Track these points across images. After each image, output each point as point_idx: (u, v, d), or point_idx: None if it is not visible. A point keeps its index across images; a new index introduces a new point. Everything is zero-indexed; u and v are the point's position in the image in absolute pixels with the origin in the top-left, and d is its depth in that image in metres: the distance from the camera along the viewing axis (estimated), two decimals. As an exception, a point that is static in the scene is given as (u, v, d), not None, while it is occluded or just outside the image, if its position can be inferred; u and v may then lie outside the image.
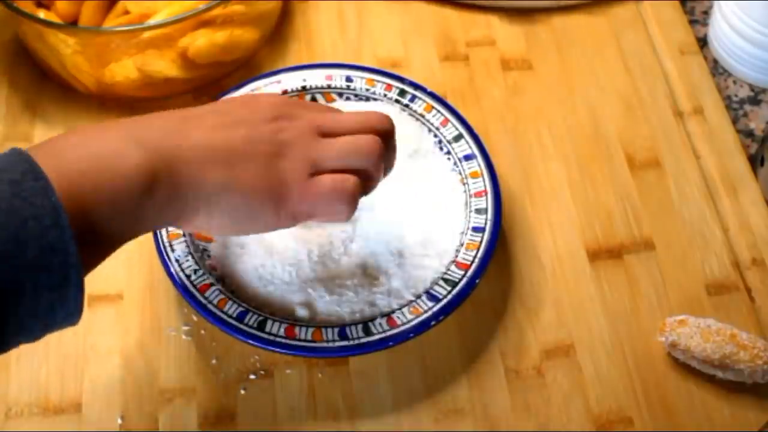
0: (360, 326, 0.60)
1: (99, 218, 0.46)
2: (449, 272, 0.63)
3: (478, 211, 0.65)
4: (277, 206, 0.53)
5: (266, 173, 0.52)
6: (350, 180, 0.54)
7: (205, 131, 0.52)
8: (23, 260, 0.42)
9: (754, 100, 0.78)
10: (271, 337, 0.59)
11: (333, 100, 0.72)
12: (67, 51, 0.71)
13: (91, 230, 0.45)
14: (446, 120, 0.70)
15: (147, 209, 0.48)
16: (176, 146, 0.50)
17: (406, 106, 0.71)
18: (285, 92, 0.71)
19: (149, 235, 0.62)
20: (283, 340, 0.59)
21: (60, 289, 0.43)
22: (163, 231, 0.63)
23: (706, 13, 0.84)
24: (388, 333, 0.60)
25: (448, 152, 0.69)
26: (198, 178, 0.50)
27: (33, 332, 0.45)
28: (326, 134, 0.55)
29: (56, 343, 0.62)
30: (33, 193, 0.43)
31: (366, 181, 0.55)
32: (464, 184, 0.67)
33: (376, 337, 0.60)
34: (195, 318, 0.64)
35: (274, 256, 0.63)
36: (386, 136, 0.57)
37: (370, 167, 0.55)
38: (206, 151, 0.51)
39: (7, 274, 0.42)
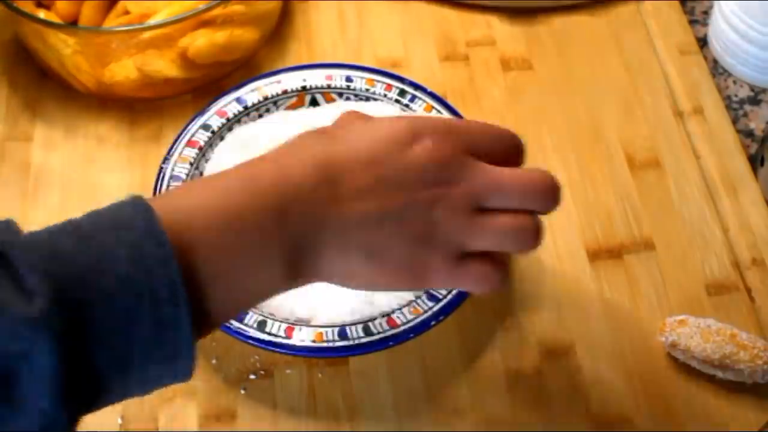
0: (360, 326, 0.60)
1: (219, 297, 0.43)
2: (449, 272, 0.63)
3: (478, 211, 0.65)
4: (416, 284, 0.49)
5: (412, 257, 0.47)
6: (497, 272, 0.49)
7: (356, 202, 0.46)
8: (135, 336, 0.39)
9: (754, 100, 0.78)
10: (271, 337, 0.59)
11: (333, 100, 0.72)
12: (67, 51, 0.71)
13: (207, 308, 0.43)
14: (446, 120, 0.70)
15: (276, 291, 0.46)
16: (324, 231, 0.45)
17: (406, 106, 0.71)
18: (285, 92, 0.71)
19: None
20: (283, 340, 0.59)
21: (170, 362, 0.41)
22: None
23: (706, 13, 0.84)
24: (388, 333, 0.60)
25: (448, 152, 0.69)
26: (341, 263, 0.46)
27: (140, 393, 0.42)
28: (483, 208, 0.48)
29: (56, 343, 0.62)
30: (153, 262, 0.39)
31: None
32: (464, 184, 0.67)
33: (376, 337, 0.60)
34: (195, 318, 0.64)
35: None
36: (548, 207, 0.50)
37: (523, 249, 0.50)
38: (353, 234, 0.46)
39: (116, 348, 0.39)
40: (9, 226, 0.40)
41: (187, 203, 0.43)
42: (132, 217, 0.41)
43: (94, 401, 0.41)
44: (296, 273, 0.46)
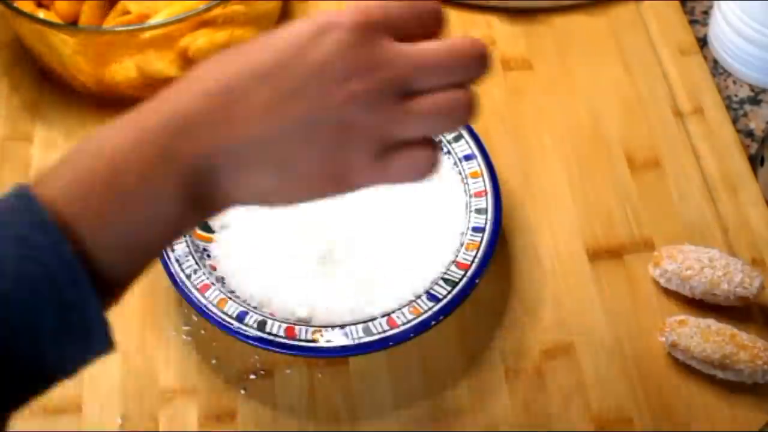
0: (360, 326, 0.60)
1: (122, 253, 0.41)
2: (449, 272, 0.63)
3: (478, 211, 0.65)
4: (340, 189, 0.45)
5: (329, 164, 0.43)
6: (427, 158, 0.44)
7: (253, 119, 0.42)
8: (41, 328, 0.38)
9: (754, 100, 0.78)
10: (271, 337, 0.59)
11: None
12: (67, 51, 0.71)
13: (112, 269, 0.41)
14: (446, 120, 0.70)
15: (178, 230, 0.43)
16: (219, 155, 0.42)
17: (406, 106, 0.71)
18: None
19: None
20: (283, 340, 0.59)
21: (84, 339, 0.40)
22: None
23: (706, 13, 0.84)
24: (388, 333, 0.60)
25: (448, 152, 0.69)
26: (246, 188, 0.43)
27: (64, 377, 0.41)
28: (411, 91, 0.44)
29: (56, 343, 0.62)
30: (43, 251, 0.38)
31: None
32: (464, 184, 0.67)
33: (376, 337, 0.60)
34: (195, 318, 0.64)
35: (274, 256, 0.63)
36: (480, 73, 0.46)
37: (458, 125, 0.46)
38: (255, 156, 0.42)
39: (27, 346, 0.38)
40: None
41: (71, 175, 0.41)
42: (14, 210, 0.39)
43: (18, 400, 0.40)
44: (201, 206, 0.43)
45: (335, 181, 0.44)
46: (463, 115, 0.45)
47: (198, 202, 0.42)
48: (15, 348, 0.39)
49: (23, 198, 0.40)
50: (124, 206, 0.41)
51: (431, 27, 0.46)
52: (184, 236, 0.46)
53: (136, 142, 0.41)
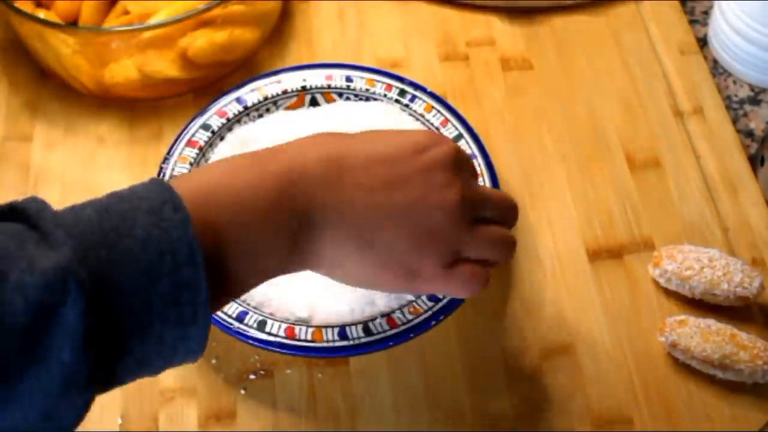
0: (360, 326, 0.60)
1: (231, 267, 0.45)
2: (449, 272, 0.63)
3: (478, 211, 0.65)
4: (406, 283, 0.51)
5: (409, 255, 0.50)
6: (484, 276, 0.53)
7: (365, 191, 0.49)
8: (155, 294, 0.41)
9: (754, 100, 0.78)
10: (271, 337, 0.60)
11: (333, 100, 0.72)
12: (67, 51, 0.71)
13: (221, 276, 0.44)
14: (446, 120, 0.70)
15: (279, 266, 0.48)
16: (328, 210, 0.48)
17: (406, 106, 0.71)
18: (285, 92, 0.71)
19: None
20: (283, 340, 0.59)
21: (186, 326, 0.42)
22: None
23: (706, 13, 0.84)
24: (388, 333, 0.60)
25: (448, 152, 0.69)
26: (339, 246, 0.48)
27: (153, 367, 0.43)
28: (478, 218, 0.53)
29: (56, 343, 0.62)
30: (171, 225, 0.41)
31: None
32: (464, 184, 0.67)
33: (376, 337, 0.60)
34: (195, 318, 0.64)
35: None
36: (513, 225, 0.57)
37: (503, 261, 0.56)
38: (357, 219, 0.48)
39: (138, 306, 0.41)
40: (36, 198, 0.43)
41: (199, 179, 0.46)
42: (148, 189, 0.43)
43: (114, 363, 0.42)
44: (298, 251, 0.47)
45: (406, 276, 0.50)
46: (510, 249, 0.55)
47: (296, 247, 0.47)
48: (129, 303, 0.40)
49: (159, 183, 0.44)
50: (248, 220, 0.45)
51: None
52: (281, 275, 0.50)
53: (263, 174, 0.46)
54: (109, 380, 0.43)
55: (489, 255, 0.54)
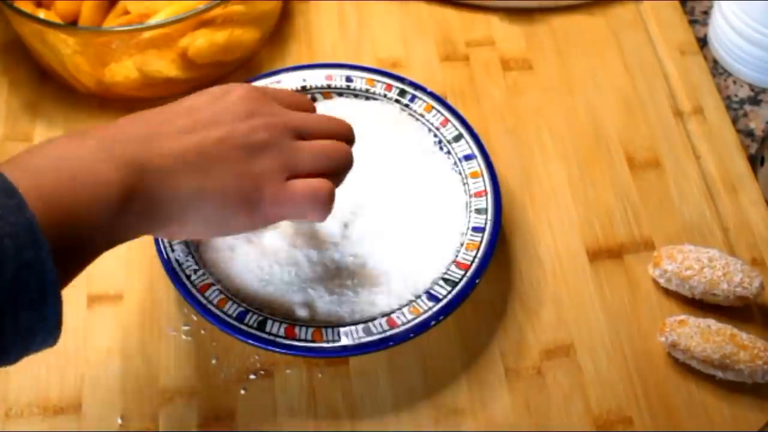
0: (360, 326, 0.60)
1: (74, 233, 0.45)
2: (449, 272, 0.63)
3: (478, 211, 0.65)
4: (251, 211, 0.52)
5: (239, 178, 0.52)
6: (325, 185, 0.54)
7: (176, 137, 0.51)
8: (1, 279, 0.41)
9: (754, 100, 0.78)
10: (271, 337, 0.59)
11: (333, 100, 0.72)
12: (67, 51, 0.71)
13: (66, 245, 0.45)
14: (446, 120, 0.70)
15: (122, 222, 0.48)
16: (148, 158, 0.49)
17: (406, 106, 0.71)
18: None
19: (149, 236, 0.62)
20: (283, 340, 0.59)
21: (38, 306, 0.43)
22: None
23: (706, 13, 0.84)
24: (388, 333, 0.60)
25: (448, 152, 0.69)
26: (171, 188, 0.50)
27: (10, 353, 0.44)
28: (300, 136, 0.55)
29: (56, 343, 0.62)
30: (7, 210, 0.42)
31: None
32: (464, 184, 0.67)
33: (376, 337, 0.60)
34: (195, 318, 0.64)
35: (274, 257, 0.63)
36: (351, 143, 0.58)
37: (341, 172, 0.57)
38: (178, 160, 0.50)
39: None
40: None
41: (28, 159, 0.46)
42: None
43: None
44: (139, 214, 0.49)
45: (249, 205, 0.52)
46: (344, 158, 0.56)
47: (137, 199, 0.48)
48: None
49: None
50: (74, 188, 0.46)
51: (306, 111, 0.59)
52: (137, 237, 0.50)
53: (82, 144, 0.48)
54: None
55: (322, 165, 0.55)
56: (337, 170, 0.56)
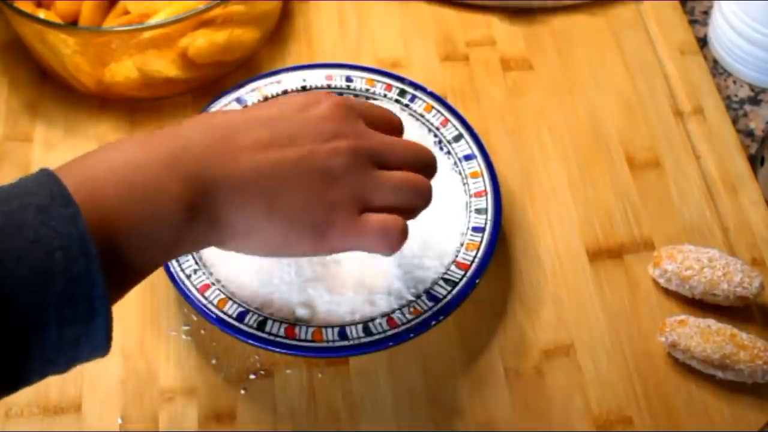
0: (360, 326, 0.60)
1: (130, 248, 0.44)
2: (449, 272, 0.63)
3: (478, 211, 0.65)
4: (316, 241, 0.50)
5: (311, 206, 0.49)
6: (399, 224, 0.51)
7: (250, 152, 0.48)
8: (49, 293, 0.40)
9: (754, 100, 0.78)
10: (271, 337, 0.59)
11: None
12: (67, 51, 0.71)
13: (121, 260, 0.43)
14: (446, 120, 0.70)
15: (181, 238, 0.46)
16: (218, 175, 0.46)
17: (406, 106, 0.71)
18: (285, 92, 0.71)
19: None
20: (283, 340, 0.59)
21: (86, 321, 0.41)
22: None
23: (706, 13, 0.84)
24: (388, 333, 0.60)
25: (448, 152, 0.69)
26: (240, 210, 0.47)
27: (59, 365, 0.43)
28: (382, 164, 0.52)
29: (56, 343, 0.62)
30: (61, 221, 0.40)
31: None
32: (464, 184, 0.67)
33: (376, 337, 0.60)
34: (195, 318, 0.64)
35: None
36: (432, 175, 0.55)
37: (417, 209, 0.54)
38: (249, 179, 0.47)
39: (32, 307, 0.40)
40: None
41: (88, 166, 0.45)
42: (37, 184, 0.42)
43: (15, 365, 0.41)
44: (201, 226, 0.47)
45: (315, 234, 0.49)
46: (425, 195, 0.53)
47: (201, 215, 0.46)
48: (22, 309, 0.40)
49: (47, 175, 0.43)
50: (137, 197, 0.44)
51: (392, 130, 0.56)
52: (192, 252, 0.48)
53: (148, 153, 0.46)
54: (13, 382, 0.42)
55: (400, 200, 0.52)
56: (415, 207, 0.53)
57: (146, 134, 0.48)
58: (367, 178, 0.51)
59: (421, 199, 0.53)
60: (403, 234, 0.51)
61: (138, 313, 0.64)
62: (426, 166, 0.55)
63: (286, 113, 0.51)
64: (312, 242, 0.50)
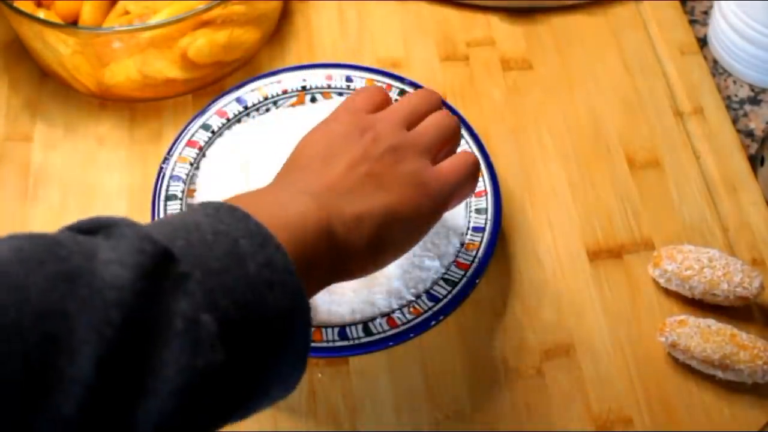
0: (360, 326, 0.60)
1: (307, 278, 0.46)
2: (449, 272, 0.63)
3: (478, 211, 0.65)
4: (431, 202, 0.54)
5: (405, 181, 0.53)
6: (466, 153, 0.57)
7: (344, 167, 0.53)
8: (269, 331, 0.43)
9: (754, 100, 0.78)
10: (271, 337, 0.59)
11: (333, 100, 0.72)
12: (67, 51, 0.71)
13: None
14: (446, 120, 0.70)
15: (325, 263, 0.49)
16: (337, 206, 0.50)
17: (406, 106, 0.71)
18: (285, 92, 0.72)
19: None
20: (283, 340, 0.59)
21: (303, 350, 0.45)
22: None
23: (706, 13, 0.84)
24: (388, 333, 0.60)
25: (448, 152, 0.69)
26: (356, 215, 0.50)
27: (270, 399, 0.45)
28: (409, 125, 0.56)
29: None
30: (278, 268, 0.43)
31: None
32: (464, 184, 0.67)
33: (376, 337, 0.60)
34: (195, 318, 0.64)
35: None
36: (439, 103, 0.60)
37: (457, 137, 0.58)
38: (352, 198, 0.51)
39: (259, 345, 0.42)
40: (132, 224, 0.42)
41: (266, 211, 0.46)
42: (248, 231, 0.44)
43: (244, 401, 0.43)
44: (337, 254, 0.50)
45: (422, 192, 0.53)
46: (453, 126, 0.58)
47: (335, 251, 0.49)
48: (254, 345, 0.42)
49: (244, 216, 0.44)
50: (308, 253, 0.47)
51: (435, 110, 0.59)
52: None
53: (303, 207, 0.48)
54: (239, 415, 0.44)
55: (443, 135, 0.57)
56: (454, 135, 0.58)
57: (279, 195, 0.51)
58: (406, 137, 0.55)
59: (454, 128, 0.58)
60: (474, 161, 0.57)
61: (138, 313, 0.64)
62: (432, 101, 0.59)
63: (350, 139, 0.54)
64: (430, 205, 0.54)
